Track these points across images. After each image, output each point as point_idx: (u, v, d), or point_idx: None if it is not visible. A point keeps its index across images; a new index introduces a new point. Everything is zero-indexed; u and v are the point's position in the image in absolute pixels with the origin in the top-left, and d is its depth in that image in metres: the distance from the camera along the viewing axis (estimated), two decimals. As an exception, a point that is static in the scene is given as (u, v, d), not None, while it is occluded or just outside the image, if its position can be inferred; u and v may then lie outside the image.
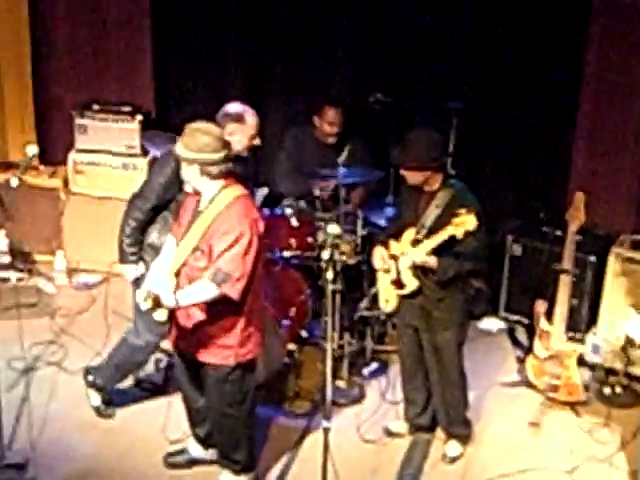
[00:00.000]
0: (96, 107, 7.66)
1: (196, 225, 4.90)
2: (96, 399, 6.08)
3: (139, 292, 4.84)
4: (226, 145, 4.86)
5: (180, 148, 4.85)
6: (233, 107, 5.65)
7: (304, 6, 7.52)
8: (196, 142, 4.78)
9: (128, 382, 6.29)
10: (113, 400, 6.13)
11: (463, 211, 5.09)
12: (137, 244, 5.67)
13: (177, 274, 4.93)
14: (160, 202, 5.61)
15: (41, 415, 5.97)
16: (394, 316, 5.92)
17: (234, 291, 4.78)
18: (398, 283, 5.49)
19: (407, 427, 5.95)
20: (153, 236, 5.68)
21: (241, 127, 5.57)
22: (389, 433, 5.95)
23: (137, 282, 5.59)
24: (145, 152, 7.59)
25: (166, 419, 5.81)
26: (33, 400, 6.06)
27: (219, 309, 4.90)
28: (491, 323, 7.23)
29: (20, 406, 6.02)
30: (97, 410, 6.07)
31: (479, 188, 5.66)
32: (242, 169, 5.47)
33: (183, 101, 7.83)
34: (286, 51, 7.69)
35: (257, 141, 5.69)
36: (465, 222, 5.06)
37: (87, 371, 6.09)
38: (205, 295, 4.80)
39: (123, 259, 5.70)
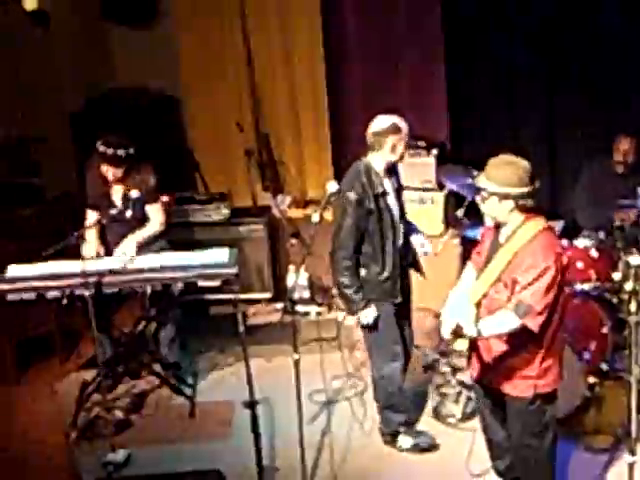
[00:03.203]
0: (393, 143, 8.28)
1: (497, 258, 5.14)
2: (406, 442, 6.52)
3: (444, 323, 5.15)
4: (533, 177, 5.07)
5: (487, 183, 5.05)
6: (386, 120, 6.00)
7: (595, 39, 7.79)
8: (509, 176, 4.99)
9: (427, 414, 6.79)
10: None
11: None
12: (360, 288, 6.07)
13: (477, 305, 5.22)
14: (358, 240, 6.04)
15: (342, 447, 6.45)
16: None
17: (535, 324, 4.99)
18: None
19: None
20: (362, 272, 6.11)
21: (399, 137, 5.97)
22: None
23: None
24: (441, 186, 8.12)
25: (469, 452, 6.07)
26: (334, 432, 6.58)
27: (519, 341, 5.12)
28: None
29: (321, 438, 6.55)
30: (415, 449, 6.49)
31: None
32: None
33: (477, 134, 8.28)
34: (579, 82, 7.97)
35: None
36: None
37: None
38: (506, 326, 5.03)
39: (356, 309, 6.11)
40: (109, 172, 7.04)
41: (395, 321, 6.24)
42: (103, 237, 7.26)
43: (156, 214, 7.29)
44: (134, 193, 7.07)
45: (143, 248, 7.12)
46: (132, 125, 8.21)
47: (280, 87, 8.81)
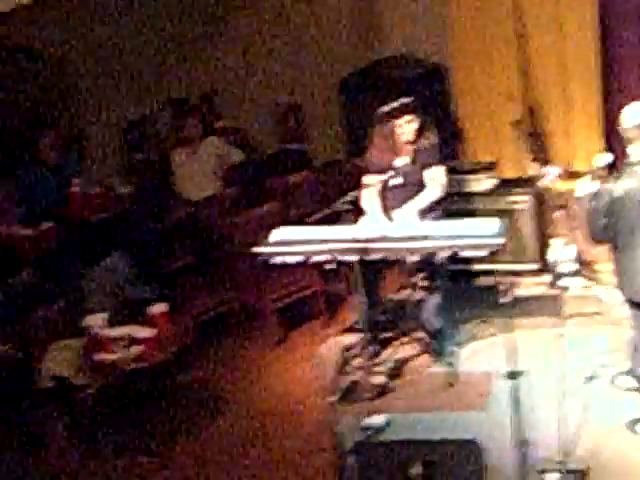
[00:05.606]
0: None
1: None
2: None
3: None
4: None
5: None
6: None
7: None
8: None
9: None
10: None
11: None
12: None
13: None
14: None
15: (601, 425, 6.42)
16: None
17: None
18: None
19: None
20: None
21: None
22: None
23: None
24: None
25: None
26: (595, 410, 6.54)
27: None
28: None
29: (581, 415, 6.50)
30: None
31: None
32: None
33: None
34: None
35: None
36: None
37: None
38: None
39: None
40: (406, 127, 7.27)
41: None
42: (383, 203, 7.49)
43: (437, 179, 7.44)
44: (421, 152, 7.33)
45: (423, 215, 7.33)
46: (400, 94, 8.44)
47: (550, 56, 8.83)
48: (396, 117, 7.28)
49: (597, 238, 6.15)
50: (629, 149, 6.00)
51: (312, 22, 10.24)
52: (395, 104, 7.31)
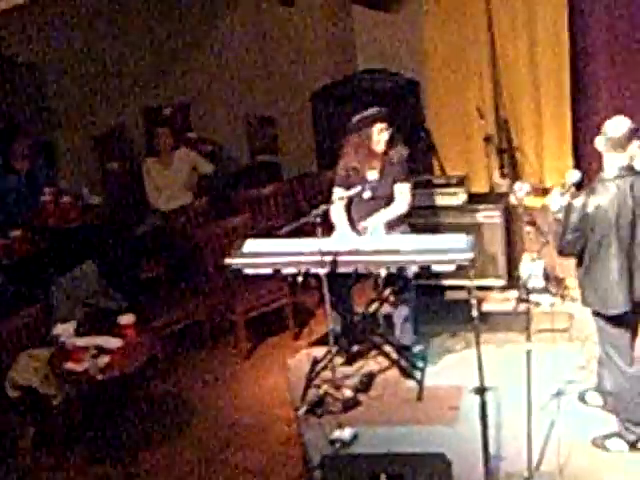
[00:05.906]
0: None
1: None
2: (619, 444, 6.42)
3: None
4: None
5: None
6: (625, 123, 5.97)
7: None
8: None
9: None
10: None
11: None
12: None
13: None
14: None
15: (570, 441, 6.37)
16: None
17: None
18: None
19: None
20: None
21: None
22: None
23: None
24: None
25: None
26: (563, 425, 6.51)
27: None
28: None
29: (549, 430, 6.51)
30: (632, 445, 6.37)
31: None
32: None
33: None
34: None
35: None
36: None
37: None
38: None
39: None
40: (379, 136, 7.32)
41: None
42: (349, 215, 7.53)
43: (405, 194, 7.47)
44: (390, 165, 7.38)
45: (389, 229, 7.36)
46: (373, 106, 8.48)
47: (522, 74, 8.83)
48: (370, 125, 7.31)
49: (564, 251, 6.19)
50: (605, 161, 6.02)
51: (287, 35, 10.25)
52: (370, 111, 7.34)
